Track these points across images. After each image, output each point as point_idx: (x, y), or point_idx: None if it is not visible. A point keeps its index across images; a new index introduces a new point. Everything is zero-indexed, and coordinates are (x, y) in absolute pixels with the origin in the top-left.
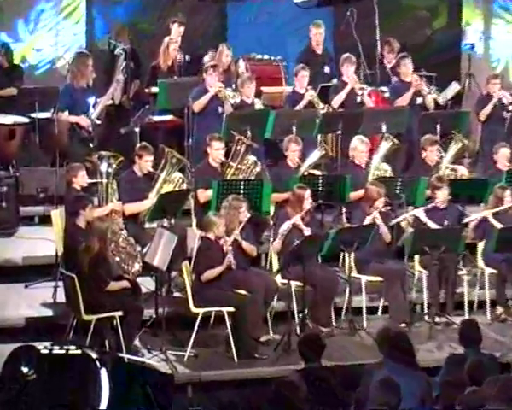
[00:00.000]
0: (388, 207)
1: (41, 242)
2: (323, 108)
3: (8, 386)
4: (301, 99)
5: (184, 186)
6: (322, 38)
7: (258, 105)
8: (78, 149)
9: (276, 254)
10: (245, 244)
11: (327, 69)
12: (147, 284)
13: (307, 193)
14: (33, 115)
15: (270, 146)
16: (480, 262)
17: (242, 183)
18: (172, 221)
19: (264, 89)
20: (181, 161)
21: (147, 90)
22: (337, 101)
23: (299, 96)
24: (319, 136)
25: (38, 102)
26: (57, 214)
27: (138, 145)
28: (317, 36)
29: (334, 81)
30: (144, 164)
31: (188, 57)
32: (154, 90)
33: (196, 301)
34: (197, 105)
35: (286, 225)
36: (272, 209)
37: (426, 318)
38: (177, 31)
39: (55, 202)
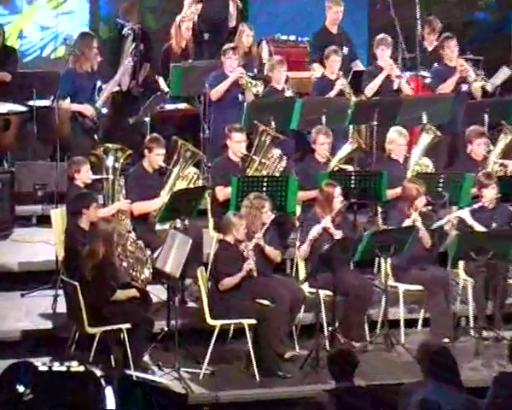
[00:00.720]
0: (429, 208)
1: (39, 245)
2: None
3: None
4: (332, 86)
5: (200, 183)
6: (341, 17)
7: (289, 93)
8: (80, 140)
9: (303, 259)
10: (268, 249)
11: (345, 50)
12: (158, 292)
13: (337, 191)
14: (31, 103)
15: (297, 138)
16: None
17: (266, 179)
18: (186, 222)
19: (290, 74)
20: (196, 154)
21: (157, 77)
22: (371, 89)
23: (329, 82)
24: (351, 127)
25: (37, 89)
26: (57, 214)
27: (148, 137)
28: (337, 14)
29: (357, 63)
30: (155, 158)
31: (206, 35)
32: (162, 83)
33: (213, 312)
34: (215, 92)
35: (316, 230)
36: (298, 209)
37: (472, 332)
38: (194, 8)
39: (55, 201)
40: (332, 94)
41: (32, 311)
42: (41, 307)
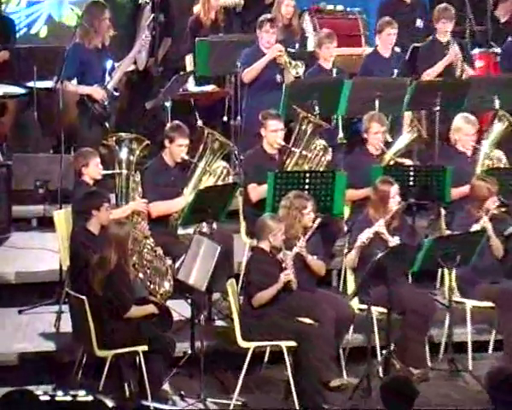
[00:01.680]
0: (502, 210)
1: (40, 252)
2: None
3: None
4: (384, 64)
5: (230, 180)
6: None
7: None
8: (89, 129)
9: (352, 269)
10: (310, 259)
11: (419, 22)
12: (180, 309)
13: (394, 189)
14: (31, 85)
15: (345, 126)
16: None
17: (308, 175)
18: (214, 226)
19: (337, 50)
20: (226, 145)
21: (186, 55)
22: (429, 74)
23: (381, 60)
24: (410, 113)
25: (38, 67)
26: (62, 216)
27: (169, 125)
28: None
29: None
30: (177, 150)
31: (239, 8)
32: (189, 62)
33: (246, 332)
34: (248, 72)
35: (366, 235)
36: (347, 211)
37: None
38: None
39: (59, 200)
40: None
41: (31, 330)
42: (42, 325)
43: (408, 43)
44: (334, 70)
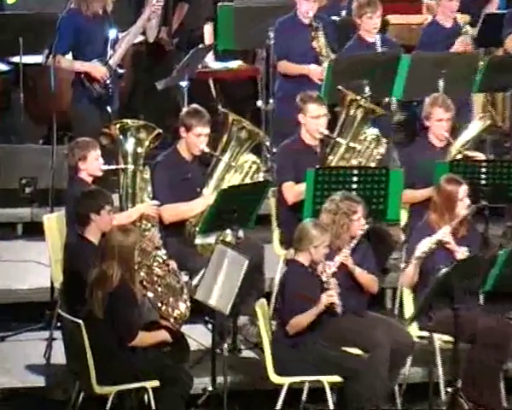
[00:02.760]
0: None
1: (27, 265)
2: None
3: None
4: (446, 37)
5: (260, 177)
6: None
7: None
8: (87, 115)
9: (411, 289)
10: (359, 272)
11: None
12: (198, 335)
13: (462, 190)
14: (15, 60)
15: (402, 112)
16: None
17: (356, 172)
18: (241, 234)
19: (393, 18)
20: (255, 135)
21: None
22: None
23: (442, 32)
24: (482, 95)
25: (24, 39)
26: (53, 221)
27: (185, 110)
28: None
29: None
30: (195, 140)
31: None
32: (209, 33)
33: (279, 364)
34: (285, 69)
35: (427, 245)
36: (404, 215)
37: None
38: None
39: (51, 202)
40: (454, 48)
41: (16, 361)
42: (29, 355)
43: (468, 8)
44: (379, 43)
